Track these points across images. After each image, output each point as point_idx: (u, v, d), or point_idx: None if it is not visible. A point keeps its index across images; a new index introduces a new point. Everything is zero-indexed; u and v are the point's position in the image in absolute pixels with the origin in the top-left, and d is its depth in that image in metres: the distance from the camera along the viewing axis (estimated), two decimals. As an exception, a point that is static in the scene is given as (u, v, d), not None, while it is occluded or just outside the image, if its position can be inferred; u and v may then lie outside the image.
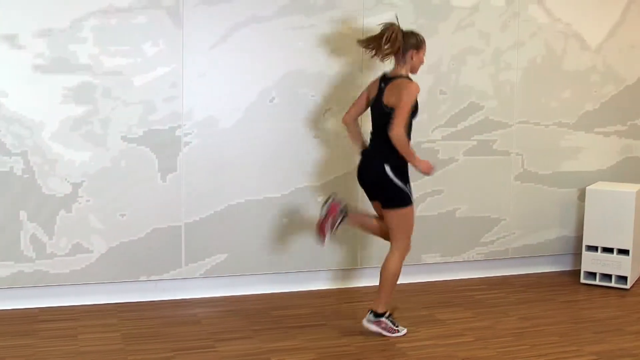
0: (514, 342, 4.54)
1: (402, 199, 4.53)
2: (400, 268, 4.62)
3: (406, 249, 4.64)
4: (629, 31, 6.13)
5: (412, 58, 4.53)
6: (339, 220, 4.58)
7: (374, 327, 4.59)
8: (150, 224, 5.09)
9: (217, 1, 5.05)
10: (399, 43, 4.47)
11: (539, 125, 5.94)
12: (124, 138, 4.97)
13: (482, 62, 5.71)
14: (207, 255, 5.24)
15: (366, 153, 4.67)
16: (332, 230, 4.57)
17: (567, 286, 5.79)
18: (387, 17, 5.38)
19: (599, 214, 5.76)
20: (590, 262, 5.81)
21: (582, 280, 5.86)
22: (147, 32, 4.94)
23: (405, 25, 5.45)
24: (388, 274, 4.59)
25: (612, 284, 5.74)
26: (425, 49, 4.59)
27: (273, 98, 5.25)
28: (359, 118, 4.82)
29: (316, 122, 5.36)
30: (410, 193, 4.57)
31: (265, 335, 4.56)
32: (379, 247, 5.60)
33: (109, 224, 5.01)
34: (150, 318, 4.83)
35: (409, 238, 4.64)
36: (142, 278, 5.12)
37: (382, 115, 4.49)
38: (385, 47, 4.46)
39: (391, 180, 4.47)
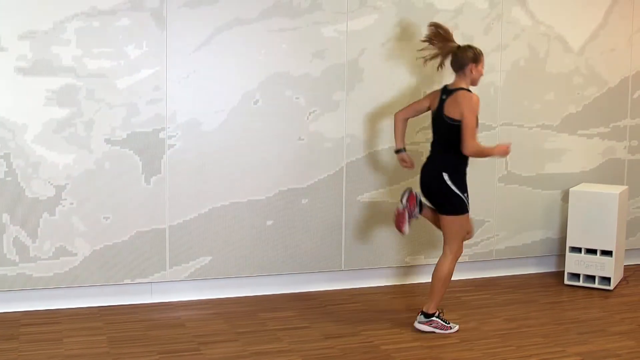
0: (500, 343, 4.55)
1: (459, 207, 4.69)
2: (453, 270, 4.77)
3: (459, 251, 4.79)
4: (610, 34, 6.17)
5: (471, 71, 4.68)
6: (417, 210, 4.75)
7: (425, 327, 4.74)
8: (135, 227, 5.07)
9: (201, 4, 5.04)
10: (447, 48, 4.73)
11: (523, 127, 5.97)
12: (107, 140, 4.95)
13: (466, 64, 5.72)
14: (192, 258, 5.22)
15: (427, 163, 4.85)
16: (411, 220, 4.76)
17: (551, 287, 5.82)
18: (370, 19, 5.41)
19: (582, 215, 5.79)
20: (573, 263, 5.84)
21: (566, 282, 5.88)
22: (130, 34, 4.92)
23: (389, 28, 5.49)
24: (441, 276, 4.73)
25: (596, 285, 5.77)
26: (483, 62, 4.76)
27: (257, 100, 5.25)
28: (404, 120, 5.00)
29: (300, 124, 5.36)
30: (467, 202, 4.71)
31: (250, 338, 4.55)
32: (363, 250, 5.61)
33: (92, 226, 4.98)
34: (135, 321, 4.81)
35: (461, 241, 4.80)
36: (127, 281, 5.10)
37: (443, 126, 4.67)
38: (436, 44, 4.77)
39: (449, 188, 4.65)
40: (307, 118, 5.38)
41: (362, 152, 5.53)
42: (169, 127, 5.07)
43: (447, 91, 4.70)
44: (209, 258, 5.26)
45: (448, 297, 5.48)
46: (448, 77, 5.67)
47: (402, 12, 5.51)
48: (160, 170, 5.08)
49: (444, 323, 4.75)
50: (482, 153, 4.68)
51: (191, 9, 5.03)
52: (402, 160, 5.00)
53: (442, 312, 4.87)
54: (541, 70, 5.98)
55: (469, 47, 4.72)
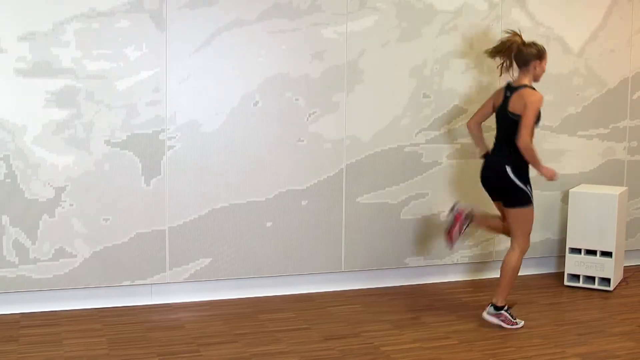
0: (499, 344, 4.55)
1: (523, 199, 4.82)
2: (520, 263, 4.90)
3: (526, 245, 4.91)
4: (610, 35, 6.17)
5: (535, 68, 4.83)
6: (465, 226, 4.91)
7: (493, 320, 4.86)
8: (134, 228, 5.07)
9: (201, 5, 5.05)
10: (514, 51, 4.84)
11: (522, 128, 5.96)
12: (107, 142, 4.95)
13: (466, 65, 5.73)
14: (191, 259, 5.22)
15: (489, 156, 5.02)
16: (459, 236, 4.96)
17: (550, 288, 5.81)
18: (370, 20, 5.41)
19: (582, 216, 5.79)
20: (573, 264, 5.84)
21: (566, 283, 5.88)
22: (130, 36, 4.92)
23: (389, 29, 5.49)
24: (508, 269, 4.86)
25: (596, 286, 5.77)
26: (546, 59, 4.87)
27: (257, 102, 5.25)
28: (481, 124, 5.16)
29: (300, 125, 5.36)
30: (531, 194, 4.84)
31: (250, 340, 4.55)
32: (362, 251, 5.61)
33: (92, 228, 4.98)
34: (135, 323, 4.81)
35: (528, 235, 4.92)
36: (126, 283, 5.10)
37: (507, 121, 4.81)
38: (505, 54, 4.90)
39: (512, 181, 4.79)
40: (307, 119, 5.38)
41: (362, 153, 5.53)
42: (168, 129, 5.07)
43: (511, 88, 4.85)
44: (209, 259, 5.26)
45: (448, 298, 5.48)
46: (448, 78, 5.69)
47: (401, 13, 5.51)
48: (160, 171, 5.08)
49: (510, 318, 4.86)
50: (532, 153, 4.71)
51: (191, 10, 5.03)
52: None
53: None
54: (541, 71, 5.98)
55: (533, 43, 4.84)
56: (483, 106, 5.10)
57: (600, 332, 4.81)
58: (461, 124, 5.74)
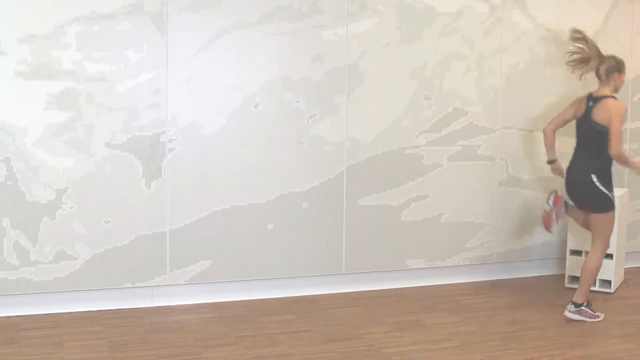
0: (500, 346, 4.55)
1: (607, 205, 5.09)
2: (601, 264, 5.18)
3: (607, 246, 5.18)
4: (610, 37, 6.16)
5: (615, 80, 5.15)
6: (563, 209, 5.29)
7: (575, 317, 5.06)
8: (135, 231, 5.06)
9: (201, 7, 5.05)
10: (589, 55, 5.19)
11: (523, 130, 5.97)
12: (108, 144, 4.95)
13: (466, 67, 5.73)
14: (192, 261, 5.22)
15: (574, 166, 5.24)
16: (558, 219, 5.30)
17: (551, 290, 5.81)
18: (371, 22, 5.41)
19: (582, 218, 5.79)
20: (574, 266, 5.84)
21: (567, 285, 5.88)
22: (130, 38, 4.92)
23: (389, 31, 5.49)
24: (589, 268, 5.12)
25: (596, 288, 5.76)
26: (625, 70, 5.14)
27: (257, 104, 5.25)
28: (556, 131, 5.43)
29: (301, 127, 5.36)
30: (614, 199, 5.12)
31: (251, 342, 4.55)
32: (363, 253, 5.61)
33: (93, 230, 4.98)
34: (136, 325, 4.81)
35: (609, 236, 5.18)
36: (127, 285, 5.09)
37: (591, 132, 5.09)
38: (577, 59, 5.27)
39: (598, 189, 5.05)
40: (308, 121, 5.37)
41: (362, 155, 5.53)
42: (169, 131, 5.07)
43: (593, 98, 5.12)
44: (210, 262, 5.26)
45: (448, 300, 5.48)
46: (448, 80, 5.68)
47: (402, 16, 5.51)
48: (160, 174, 5.08)
49: (592, 312, 5.07)
50: (624, 158, 5.04)
51: (192, 12, 5.03)
52: (556, 170, 5.48)
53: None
54: (541, 73, 5.98)
55: (613, 57, 5.12)
56: (562, 113, 5.34)
57: (601, 334, 4.81)
58: (462, 125, 5.75)
